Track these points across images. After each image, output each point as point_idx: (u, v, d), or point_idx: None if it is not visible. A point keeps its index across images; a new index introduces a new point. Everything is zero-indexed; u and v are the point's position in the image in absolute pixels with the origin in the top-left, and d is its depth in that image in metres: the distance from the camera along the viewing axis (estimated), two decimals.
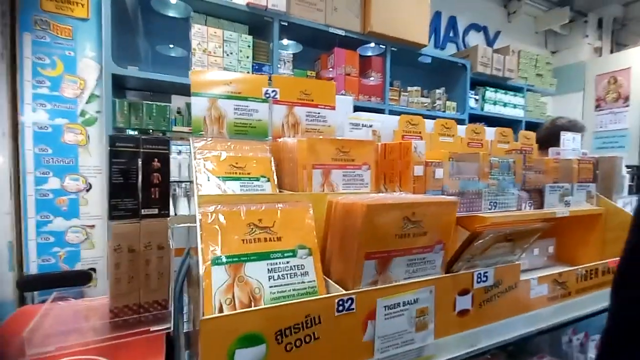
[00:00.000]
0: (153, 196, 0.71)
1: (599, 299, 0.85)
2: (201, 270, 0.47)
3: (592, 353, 1.00)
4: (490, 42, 4.10)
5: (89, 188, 2.23)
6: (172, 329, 0.67)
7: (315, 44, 2.85)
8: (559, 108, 4.47)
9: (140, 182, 0.70)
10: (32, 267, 2.11)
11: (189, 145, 0.68)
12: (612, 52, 4.44)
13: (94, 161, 2.24)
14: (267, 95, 0.77)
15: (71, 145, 2.19)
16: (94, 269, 2.21)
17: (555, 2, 4.35)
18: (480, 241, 0.55)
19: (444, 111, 3.23)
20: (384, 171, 0.77)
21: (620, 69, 4.06)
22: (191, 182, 0.66)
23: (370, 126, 0.89)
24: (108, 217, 0.69)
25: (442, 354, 0.59)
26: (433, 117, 1.00)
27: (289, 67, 2.62)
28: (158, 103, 2.28)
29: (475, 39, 3.99)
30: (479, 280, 0.62)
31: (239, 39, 2.38)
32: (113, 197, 0.69)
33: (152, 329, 0.68)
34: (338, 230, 0.55)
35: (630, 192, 1.28)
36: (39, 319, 0.72)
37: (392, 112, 2.84)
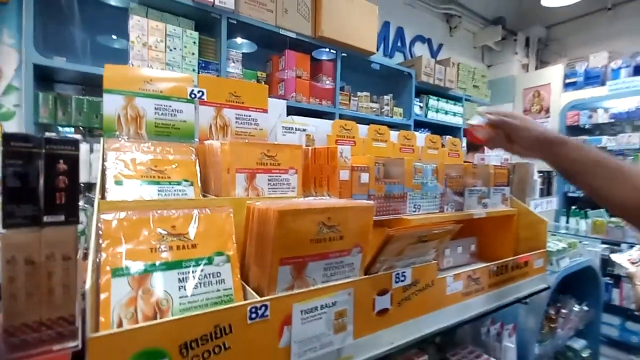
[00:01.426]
0: (58, 201, 0.64)
1: (510, 292, 0.94)
2: (89, 282, 0.43)
3: (506, 341, 1.11)
4: (434, 54, 4.38)
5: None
6: (79, 346, 0.61)
7: (267, 45, 2.82)
8: None
9: (42, 186, 0.62)
10: None
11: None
12: (536, 68, 4.97)
13: None
14: (193, 96, 0.74)
15: None
16: None
17: (490, 21, 4.76)
18: (394, 244, 0.58)
19: (392, 117, 3.37)
20: (314, 175, 0.78)
21: (543, 84, 4.57)
22: (91, 185, 0.61)
23: (304, 130, 0.89)
24: (2, 225, 0.61)
25: (361, 354, 0.60)
26: (381, 122, 1.05)
27: (239, 67, 2.55)
28: (90, 98, 2.09)
29: (420, 49, 4.23)
30: (397, 280, 0.65)
31: (184, 35, 2.27)
32: (8, 202, 0.61)
33: (55, 347, 0.61)
34: (254, 236, 0.54)
35: (541, 195, 1.44)
36: None
37: (342, 116, 2.89)
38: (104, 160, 0.60)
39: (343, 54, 2.93)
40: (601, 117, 4.08)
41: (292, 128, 0.86)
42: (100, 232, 0.47)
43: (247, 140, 0.78)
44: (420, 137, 1.16)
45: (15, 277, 0.61)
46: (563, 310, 1.43)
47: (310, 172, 0.78)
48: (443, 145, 1.21)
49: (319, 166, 0.76)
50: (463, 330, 1.17)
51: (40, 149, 0.62)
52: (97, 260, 0.45)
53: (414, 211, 0.84)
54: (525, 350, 1.16)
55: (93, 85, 2.26)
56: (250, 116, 0.81)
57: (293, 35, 2.66)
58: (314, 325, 0.54)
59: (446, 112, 3.79)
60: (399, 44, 4.02)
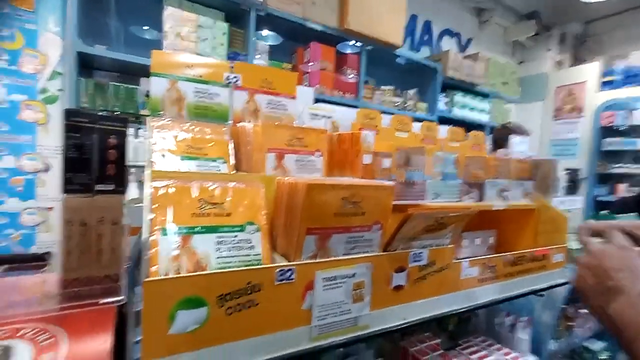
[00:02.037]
0: (108, 172, 0.72)
1: (526, 283, 0.95)
2: (149, 239, 0.50)
3: (519, 333, 1.12)
4: (462, 48, 4.28)
5: (47, 169, 2.14)
6: (123, 300, 0.69)
7: (293, 37, 2.86)
8: (521, 115, 4.74)
9: (95, 157, 0.70)
10: None
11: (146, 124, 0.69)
12: (571, 66, 4.76)
13: (53, 141, 2.15)
14: (229, 81, 0.79)
15: (29, 123, 2.09)
16: (49, 253, 2.13)
17: (524, 15, 4.59)
18: (413, 223, 0.62)
19: (415, 112, 3.35)
20: (337, 159, 0.82)
21: (577, 82, 4.38)
22: (141, 167, 0.68)
23: (330, 117, 0.93)
24: (62, 190, 0.69)
25: (377, 325, 0.65)
26: None
27: (265, 58, 2.62)
28: (126, 85, 2.21)
29: (448, 44, 4.15)
30: (414, 259, 0.68)
31: (214, 26, 2.35)
32: (67, 170, 0.69)
33: (102, 301, 0.69)
34: (283, 207, 0.59)
35: (565, 193, 1.42)
36: None
37: None
38: (150, 136, 0.67)
39: (368, 47, 2.93)
40: (639, 119, 3.87)
41: (319, 115, 0.91)
42: (151, 197, 0.53)
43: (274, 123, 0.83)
44: (443, 130, 1.17)
45: (71, 237, 0.70)
46: (582, 310, 1.41)
47: (334, 156, 0.82)
48: (466, 139, 1.22)
49: (343, 151, 0.81)
50: (476, 319, 1.19)
51: (95, 125, 0.70)
52: (149, 220, 0.51)
53: (433, 199, 0.86)
54: (539, 343, 1.17)
55: (128, 73, 2.38)
56: (280, 102, 0.86)
57: (319, 28, 2.69)
58: (334, 293, 0.58)
59: (472, 109, 3.71)
60: (425, 37, 3.96)
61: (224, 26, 2.37)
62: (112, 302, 0.71)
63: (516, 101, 4.30)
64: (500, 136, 1.92)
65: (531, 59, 4.88)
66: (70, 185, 0.69)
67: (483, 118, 3.79)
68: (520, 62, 4.95)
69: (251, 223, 0.60)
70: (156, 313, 0.45)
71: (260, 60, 2.56)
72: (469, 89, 3.69)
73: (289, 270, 0.54)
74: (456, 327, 1.15)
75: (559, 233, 1.07)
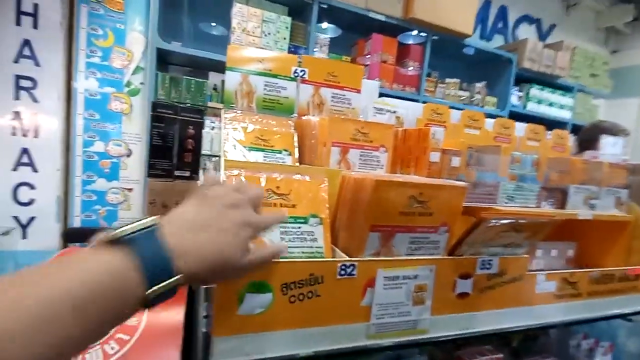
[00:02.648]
0: (186, 160, 0.78)
1: (611, 305, 0.83)
2: None
3: (599, 359, 0.99)
4: (542, 36, 3.84)
5: (129, 154, 2.40)
6: None
7: (354, 29, 2.82)
8: (612, 113, 4.13)
9: (176, 146, 0.77)
10: (76, 221, 2.33)
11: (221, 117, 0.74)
12: None
13: (135, 129, 2.40)
14: (296, 75, 0.81)
15: (116, 113, 2.36)
16: None
17: None
18: (485, 228, 0.57)
19: (483, 106, 3.10)
20: (401, 156, 0.79)
21: None
22: (217, 157, 0.72)
23: (394, 112, 0.90)
24: (147, 174, 0.77)
25: (437, 331, 0.62)
26: None
27: (325, 51, 2.62)
28: (196, 79, 2.37)
29: (526, 32, 3.75)
30: (482, 267, 0.64)
31: (278, 20, 2.41)
32: (152, 157, 0.77)
33: None
34: (348, 202, 0.59)
35: None
36: None
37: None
38: (224, 127, 0.71)
39: (434, 37, 2.78)
40: None
41: (383, 109, 0.88)
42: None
43: (340, 116, 0.83)
44: (520, 127, 1.07)
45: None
46: None
47: (398, 153, 0.80)
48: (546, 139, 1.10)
49: (407, 147, 0.78)
50: (546, 338, 1.08)
51: (177, 116, 0.76)
52: None
53: (506, 203, 0.79)
54: None
55: (197, 67, 2.55)
56: (344, 95, 0.85)
57: (382, 18, 2.61)
58: (395, 293, 0.57)
59: (551, 104, 3.32)
60: (499, 25, 3.62)
61: (287, 20, 2.42)
62: None
63: (606, 96, 3.76)
64: (589, 136, 1.69)
65: (628, 48, 4.20)
66: (154, 170, 0.76)
67: (564, 115, 3.38)
68: (614, 51, 4.30)
69: (314, 216, 0.60)
70: (227, 293, 0.48)
71: (319, 53, 2.57)
72: (548, 81, 3.30)
73: (351, 265, 0.53)
74: (521, 344, 1.05)
75: None
